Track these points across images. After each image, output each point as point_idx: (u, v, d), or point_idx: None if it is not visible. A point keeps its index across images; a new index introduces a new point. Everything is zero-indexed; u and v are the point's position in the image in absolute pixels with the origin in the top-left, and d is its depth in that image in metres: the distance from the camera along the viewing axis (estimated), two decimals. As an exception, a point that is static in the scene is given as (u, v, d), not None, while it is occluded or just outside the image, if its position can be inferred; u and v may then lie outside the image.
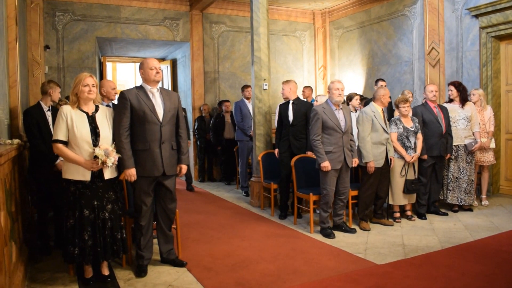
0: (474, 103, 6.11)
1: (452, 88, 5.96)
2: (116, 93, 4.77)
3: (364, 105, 7.13)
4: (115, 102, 4.44)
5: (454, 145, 5.80)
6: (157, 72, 3.77)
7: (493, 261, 3.92)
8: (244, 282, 3.55)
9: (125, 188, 4.22)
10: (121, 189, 4.21)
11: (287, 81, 5.94)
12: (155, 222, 4.00)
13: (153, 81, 3.76)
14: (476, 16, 7.03)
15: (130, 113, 3.68)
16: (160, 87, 3.86)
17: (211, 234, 5.07)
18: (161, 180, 3.80)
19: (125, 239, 3.75)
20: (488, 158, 6.17)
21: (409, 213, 5.59)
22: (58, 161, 4.19)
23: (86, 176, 3.41)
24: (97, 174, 3.46)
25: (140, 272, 3.78)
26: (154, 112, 3.71)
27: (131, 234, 4.20)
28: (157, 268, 3.93)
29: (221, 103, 9.07)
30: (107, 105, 4.59)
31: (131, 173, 3.64)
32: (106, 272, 3.65)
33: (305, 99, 7.56)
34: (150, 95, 3.75)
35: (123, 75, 13.10)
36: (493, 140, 6.22)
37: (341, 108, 4.96)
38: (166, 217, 3.95)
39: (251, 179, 6.76)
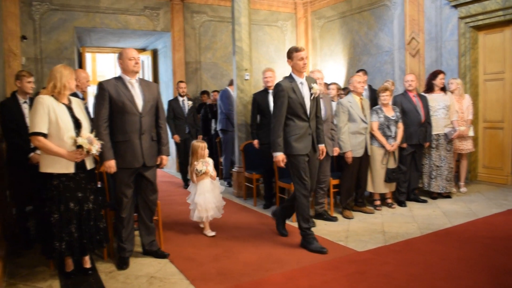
0: (452, 92, 6.21)
1: (443, 76, 6.03)
2: (89, 84, 4.75)
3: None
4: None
5: (435, 134, 5.89)
6: (136, 63, 3.73)
7: (470, 246, 4.01)
8: (226, 272, 3.57)
9: (106, 180, 4.18)
10: (101, 181, 4.19)
11: (270, 69, 5.93)
12: (137, 214, 3.98)
13: (132, 71, 3.72)
14: (455, 6, 7.11)
15: (109, 104, 3.64)
16: (139, 78, 3.82)
17: (194, 224, 5.05)
18: (142, 172, 3.78)
19: (106, 228, 3.73)
20: (467, 146, 6.29)
21: (389, 200, 5.67)
22: (33, 154, 4.11)
23: (69, 168, 3.36)
24: (80, 165, 3.42)
25: (122, 264, 3.76)
26: (133, 103, 3.67)
27: (113, 227, 4.17)
28: (139, 260, 3.91)
29: (204, 93, 9.02)
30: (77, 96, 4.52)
31: (111, 164, 3.61)
32: (88, 265, 3.62)
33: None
34: (129, 86, 3.71)
35: (103, 65, 12.93)
36: (471, 128, 6.34)
37: (321, 98, 4.97)
38: (147, 209, 3.93)
39: (233, 169, 6.77)
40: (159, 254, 3.96)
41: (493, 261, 3.61)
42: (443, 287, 3.16)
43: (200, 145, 4.72)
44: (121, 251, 3.83)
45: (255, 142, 5.96)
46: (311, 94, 4.18)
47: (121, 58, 3.76)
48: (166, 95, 9.64)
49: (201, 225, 4.79)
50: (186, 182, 7.48)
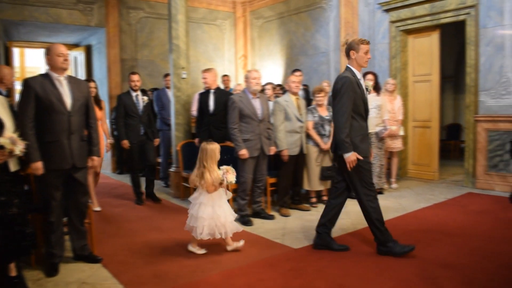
0: (392, 91, 6.51)
1: (372, 77, 6.26)
2: (14, 81, 4.47)
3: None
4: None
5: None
6: (65, 60, 3.56)
7: (400, 239, 4.16)
8: (161, 274, 3.50)
9: (33, 182, 3.96)
10: (28, 183, 3.96)
11: (209, 70, 5.88)
12: (66, 218, 3.80)
13: (61, 68, 3.54)
14: (387, 10, 7.44)
15: (35, 102, 3.45)
16: (68, 75, 3.65)
17: (129, 227, 4.93)
18: (72, 173, 3.61)
19: (33, 233, 3.53)
20: (397, 144, 6.60)
21: (325, 197, 5.82)
22: None
23: None
24: (3, 168, 3.21)
25: (51, 271, 3.57)
26: (61, 101, 3.50)
27: (41, 231, 3.95)
28: (70, 265, 3.74)
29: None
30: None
31: (38, 166, 3.42)
32: (13, 273, 3.39)
33: (225, 88, 7.57)
34: (57, 84, 3.53)
35: (33, 61, 12.25)
36: (402, 128, 6.66)
37: (258, 97, 5.03)
38: (78, 212, 3.76)
39: (170, 169, 6.67)
40: (91, 259, 3.81)
41: (421, 253, 3.79)
42: (373, 279, 3.29)
43: (217, 147, 4.03)
44: (50, 257, 3.64)
45: (196, 140, 5.89)
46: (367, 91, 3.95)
47: (49, 54, 3.57)
48: (101, 93, 9.28)
49: (192, 248, 4.04)
50: (139, 196, 6.17)
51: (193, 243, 4.03)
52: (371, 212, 3.80)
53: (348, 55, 3.86)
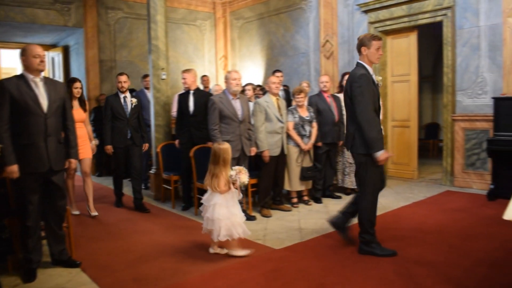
0: None
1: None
2: None
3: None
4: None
5: (347, 133, 6.17)
6: (41, 61, 3.49)
7: (380, 238, 4.22)
8: (142, 278, 3.46)
9: (9, 186, 3.87)
10: (4, 187, 3.88)
11: (188, 70, 5.83)
12: (44, 222, 3.73)
13: (37, 70, 3.47)
14: (366, 11, 7.51)
15: (11, 104, 3.37)
16: (44, 76, 3.58)
17: (109, 230, 4.87)
18: (49, 176, 3.55)
19: (10, 238, 3.45)
20: (377, 144, 6.65)
21: (306, 198, 5.85)
22: None
23: None
24: None
25: (29, 276, 3.50)
26: (37, 103, 3.43)
27: (18, 236, 3.87)
28: (48, 271, 3.67)
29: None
30: None
31: (13, 170, 3.34)
32: (-12, 279, 3.33)
33: (204, 88, 7.53)
34: (33, 85, 3.46)
35: (8, 62, 12.00)
36: (381, 127, 6.71)
37: (238, 98, 5.02)
38: (56, 216, 3.69)
39: (150, 171, 6.61)
40: (70, 263, 3.74)
41: (401, 251, 3.83)
42: (353, 278, 3.31)
43: (228, 147, 4.00)
44: (28, 263, 3.56)
45: (177, 142, 5.84)
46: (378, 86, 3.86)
47: (25, 55, 3.49)
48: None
49: (213, 249, 4.01)
50: (119, 199, 6.10)
51: (214, 245, 3.99)
52: (369, 212, 3.83)
53: (359, 51, 3.81)
